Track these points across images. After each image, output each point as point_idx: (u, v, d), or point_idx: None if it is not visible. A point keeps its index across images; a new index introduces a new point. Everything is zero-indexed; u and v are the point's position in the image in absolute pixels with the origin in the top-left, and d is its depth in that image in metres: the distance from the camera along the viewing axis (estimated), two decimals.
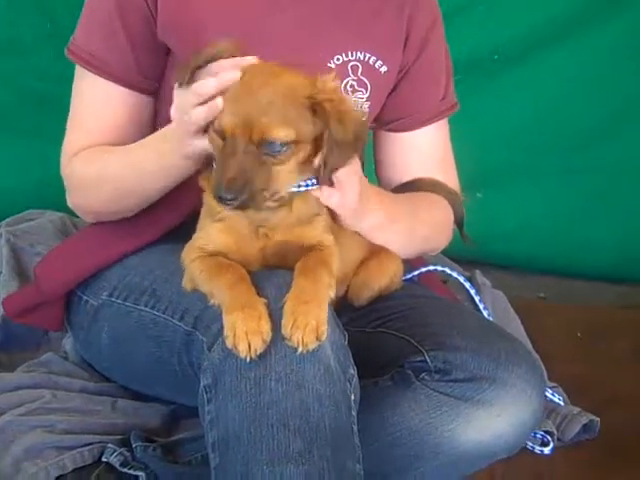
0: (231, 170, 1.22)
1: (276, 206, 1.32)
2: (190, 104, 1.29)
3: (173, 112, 1.35)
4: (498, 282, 2.24)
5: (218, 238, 1.34)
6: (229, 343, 1.21)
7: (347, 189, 1.36)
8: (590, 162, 2.45)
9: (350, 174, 1.35)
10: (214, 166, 1.30)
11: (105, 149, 1.54)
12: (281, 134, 1.24)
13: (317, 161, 1.28)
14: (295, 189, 1.32)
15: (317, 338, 1.20)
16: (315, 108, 1.26)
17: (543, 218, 2.52)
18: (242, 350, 1.20)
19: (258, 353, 1.20)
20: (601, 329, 2.23)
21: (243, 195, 1.22)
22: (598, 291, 2.49)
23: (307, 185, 1.33)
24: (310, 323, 1.20)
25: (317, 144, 1.28)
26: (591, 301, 2.44)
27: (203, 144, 1.32)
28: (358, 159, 1.39)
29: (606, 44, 2.38)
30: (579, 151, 2.45)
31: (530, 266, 2.52)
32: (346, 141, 1.27)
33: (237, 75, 1.26)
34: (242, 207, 1.25)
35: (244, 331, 1.20)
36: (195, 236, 1.38)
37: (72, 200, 1.62)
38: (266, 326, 1.21)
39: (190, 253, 1.36)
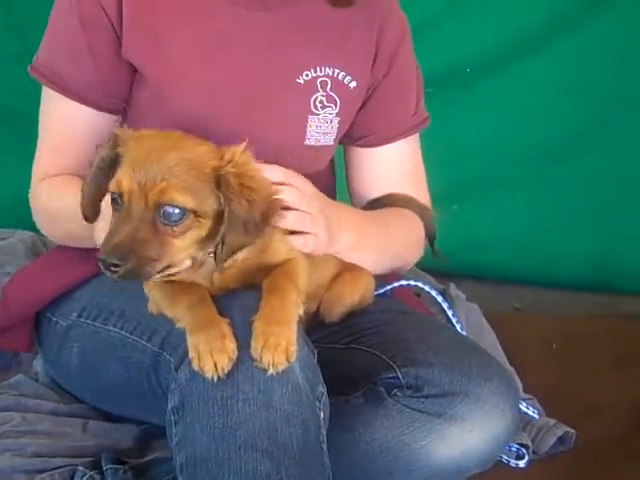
0: (120, 235, 1.16)
1: (166, 278, 1.24)
2: None
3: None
4: (473, 293, 2.24)
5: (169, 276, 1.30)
6: (195, 365, 1.20)
7: (317, 232, 1.37)
8: (565, 173, 2.47)
9: (315, 219, 1.35)
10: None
11: (68, 185, 1.49)
12: (178, 199, 1.17)
13: (218, 238, 1.21)
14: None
15: (287, 359, 1.19)
16: (219, 181, 1.20)
17: (518, 229, 2.52)
18: (208, 370, 1.18)
19: (225, 371, 1.19)
20: (576, 339, 2.24)
21: (128, 263, 1.15)
22: (573, 301, 2.49)
23: None
24: (280, 344, 1.19)
25: (221, 220, 1.21)
26: (566, 311, 2.44)
27: None
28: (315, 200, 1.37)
29: (577, 54, 2.39)
30: (554, 162, 2.47)
31: (505, 277, 2.52)
32: (250, 220, 1.21)
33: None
34: (127, 277, 1.17)
35: (208, 351, 1.18)
36: None
37: (36, 221, 1.62)
38: (231, 344, 1.20)
39: (148, 283, 1.34)
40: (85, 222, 1.32)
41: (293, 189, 1.36)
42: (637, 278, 2.52)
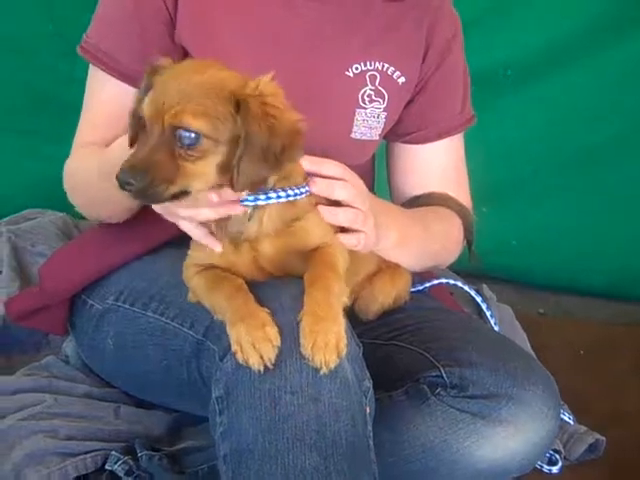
0: (138, 156, 1.18)
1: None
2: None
3: None
4: (498, 296, 2.23)
5: (206, 253, 1.31)
6: (239, 358, 1.18)
7: (368, 230, 1.36)
8: (594, 181, 2.46)
9: (367, 216, 1.34)
10: None
11: (98, 153, 1.50)
12: (192, 124, 1.16)
13: (234, 162, 1.18)
14: (274, 201, 1.26)
15: (338, 355, 1.18)
16: (238, 104, 1.18)
17: (545, 234, 2.51)
18: (254, 363, 1.17)
19: (272, 361, 1.17)
20: (602, 346, 2.23)
21: (141, 182, 1.16)
22: (596, 308, 2.48)
23: (294, 195, 1.27)
24: (330, 341, 1.17)
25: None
26: (589, 318, 2.43)
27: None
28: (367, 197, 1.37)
29: (617, 66, 2.38)
30: (583, 170, 2.46)
31: (530, 281, 2.51)
32: (270, 148, 1.19)
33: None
34: (140, 195, 1.18)
35: (250, 343, 1.17)
36: (188, 253, 1.35)
37: (70, 198, 1.60)
38: (272, 331, 1.18)
39: (188, 271, 1.34)
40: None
41: (349, 185, 1.34)
42: None
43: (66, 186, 1.59)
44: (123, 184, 1.17)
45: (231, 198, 1.23)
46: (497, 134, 2.43)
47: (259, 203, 1.26)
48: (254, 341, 1.17)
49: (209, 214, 1.25)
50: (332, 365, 1.17)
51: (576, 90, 2.41)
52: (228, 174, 1.20)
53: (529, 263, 2.53)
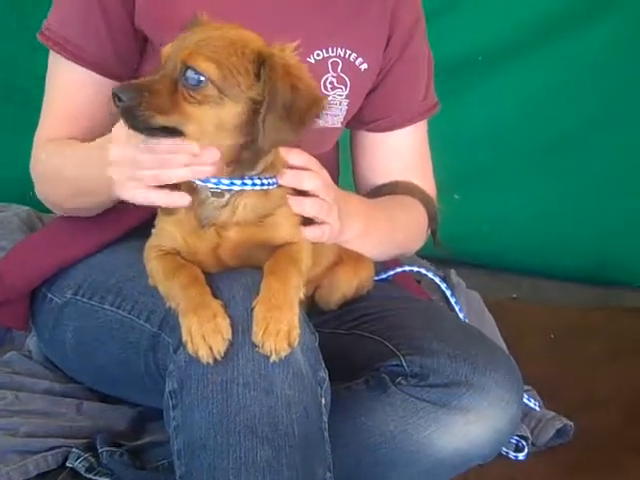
0: (143, 80, 1.19)
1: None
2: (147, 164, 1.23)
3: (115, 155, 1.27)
4: (471, 281, 2.22)
5: (169, 234, 1.29)
6: (189, 349, 1.17)
7: (332, 222, 1.34)
8: (568, 165, 2.45)
9: (331, 208, 1.33)
10: None
11: (70, 143, 1.49)
12: (201, 65, 1.17)
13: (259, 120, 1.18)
14: (245, 188, 1.25)
15: (289, 344, 1.17)
16: (263, 64, 1.19)
17: (518, 219, 2.51)
18: (203, 355, 1.16)
19: (222, 354, 1.16)
20: (574, 330, 2.23)
21: (131, 101, 1.15)
22: (571, 292, 2.48)
23: (267, 184, 1.27)
24: (282, 329, 1.16)
25: (247, 113, 1.19)
26: (563, 302, 2.43)
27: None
28: (333, 187, 1.36)
29: (591, 47, 2.38)
30: (557, 154, 2.45)
31: (503, 266, 2.51)
32: (295, 108, 1.19)
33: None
34: (126, 113, 1.16)
35: (201, 334, 1.16)
36: (152, 231, 1.33)
37: (37, 191, 1.56)
38: (223, 323, 1.17)
39: (149, 252, 1.32)
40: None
41: (315, 175, 1.32)
42: (633, 271, 2.51)
43: (37, 182, 1.55)
44: (114, 97, 1.17)
45: (212, 159, 1.20)
46: (469, 120, 2.44)
47: (234, 188, 1.25)
48: (204, 333, 1.16)
49: (184, 173, 1.21)
50: (283, 353, 1.16)
51: (548, 74, 2.41)
52: (235, 136, 1.20)
53: (502, 248, 2.53)
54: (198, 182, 1.25)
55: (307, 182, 1.31)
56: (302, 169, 1.31)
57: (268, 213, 1.28)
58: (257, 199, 1.27)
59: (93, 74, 1.49)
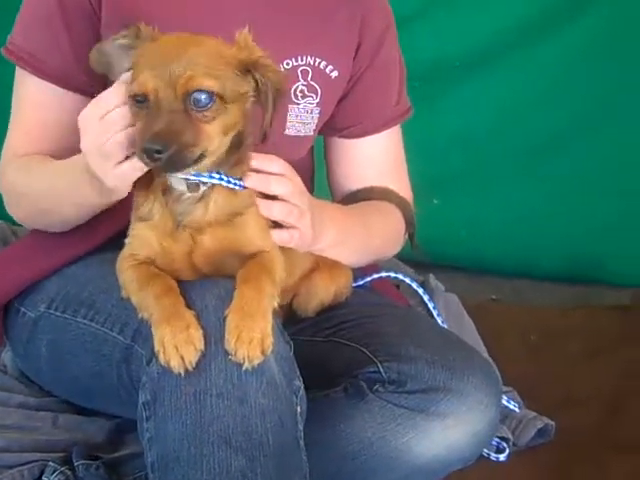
0: (158, 125, 1.16)
1: (205, 169, 1.25)
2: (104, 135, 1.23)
3: (83, 145, 1.27)
4: (450, 284, 2.22)
5: (144, 240, 1.29)
6: (161, 359, 1.16)
7: (303, 227, 1.34)
8: (544, 168, 2.47)
9: (302, 213, 1.33)
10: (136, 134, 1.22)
11: (39, 161, 1.47)
12: (205, 84, 1.18)
13: (266, 119, 1.25)
14: (215, 181, 1.26)
15: (262, 352, 1.16)
16: (248, 66, 1.23)
17: (497, 222, 2.52)
18: (175, 365, 1.15)
19: (193, 364, 1.15)
20: (554, 331, 2.23)
21: (171, 149, 1.15)
22: (550, 293, 2.49)
23: (234, 184, 1.28)
24: (255, 337, 1.15)
25: (243, 109, 1.24)
26: (544, 302, 2.44)
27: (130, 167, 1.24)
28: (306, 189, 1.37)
29: (568, 51, 2.39)
30: (534, 157, 2.47)
31: (483, 268, 2.52)
32: (282, 90, 1.26)
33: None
34: (170, 163, 1.17)
35: (173, 345, 1.15)
36: (125, 241, 1.32)
37: (7, 206, 1.55)
38: (196, 334, 1.16)
39: (122, 262, 1.31)
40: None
41: (286, 180, 1.32)
42: (613, 270, 2.52)
43: (6, 198, 1.54)
44: (151, 154, 1.15)
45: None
46: (447, 125, 2.45)
47: (202, 179, 1.26)
48: (177, 343, 1.15)
49: (112, 92, 1.23)
50: (256, 361, 1.15)
51: (525, 78, 2.42)
52: (229, 135, 1.23)
53: (480, 251, 2.54)
54: (173, 175, 1.26)
55: (275, 186, 1.31)
56: (273, 174, 1.31)
57: (237, 211, 1.28)
58: (226, 196, 1.28)
59: (57, 88, 1.48)
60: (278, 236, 1.32)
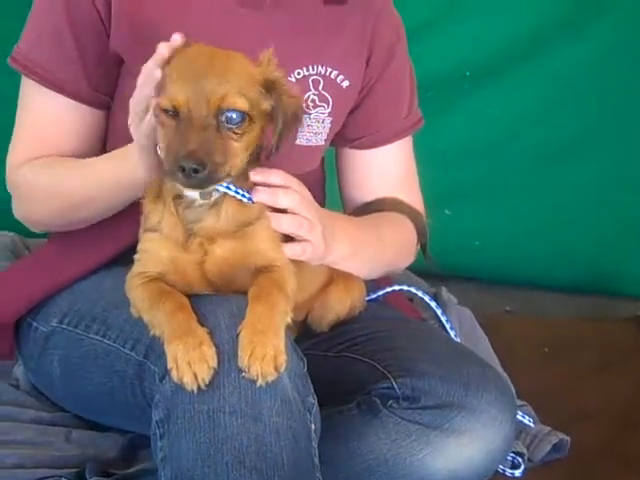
0: (192, 142, 1.16)
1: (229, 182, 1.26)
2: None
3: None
4: (463, 296, 2.21)
5: (154, 252, 1.28)
6: (174, 376, 1.15)
7: (314, 239, 1.33)
8: (559, 177, 2.46)
9: (313, 225, 1.32)
10: (160, 150, 1.24)
11: (58, 160, 1.48)
12: (238, 103, 1.19)
13: (274, 139, 1.25)
14: (227, 191, 1.26)
15: (276, 369, 1.15)
16: (269, 85, 1.24)
17: (510, 232, 2.51)
18: (187, 382, 1.14)
19: (206, 382, 1.15)
20: (568, 342, 2.22)
21: (206, 167, 1.16)
22: (564, 304, 2.48)
23: (243, 195, 1.28)
24: (268, 353, 1.14)
25: (263, 126, 1.26)
26: (557, 313, 2.43)
27: None
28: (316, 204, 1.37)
29: (579, 60, 2.38)
30: (548, 166, 2.46)
31: (495, 279, 2.51)
32: (297, 116, 1.28)
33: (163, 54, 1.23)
34: (203, 181, 1.19)
35: (186, 361, 1.14)
36: (135, 257, 1.32)
37: (19, 211, 1.54)
38: (209, 351, 1.16)
39: (132, 280, 1.30)
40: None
41: (293, 192, 1.32)
42: (627, 281, 2.52)
43: (20, 202, 1.53)
44: (188, 172, 1.16)
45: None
46: (458, 135, 2.44)
47: (219, 188, 1.26)
48: (190, 360, 1.14)
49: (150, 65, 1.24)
50: (269, 378, 1.14)
51: (537, 88, 2.42)
52: (251, 149, 1.25)
53: (493, 261, 2.52)
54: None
55: (283, 199, 1.30)
56: (279, 187, 1.31)
57: (248, 221, 1.29)
58: (237, 205, 1.28)
59: (66, 99, 1.47)
60: (290, 250, 1.32)
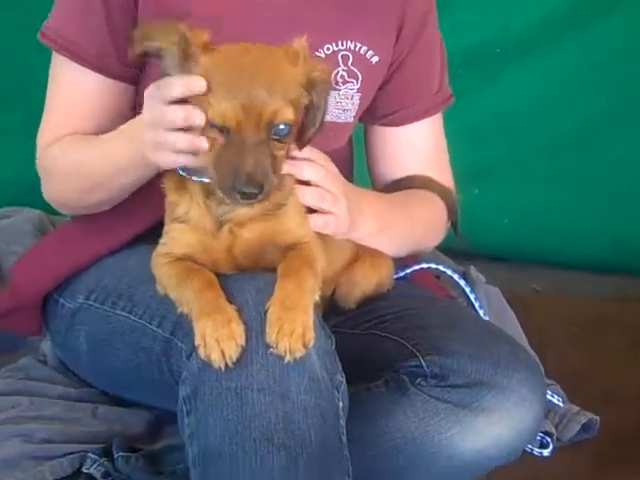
0: (247, 164, 1.16)
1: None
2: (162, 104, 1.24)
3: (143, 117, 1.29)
4: (491, 275, 2.19)
5: (182, 240, 1.28)
6: (202, 353, 1.15)
7: (338, 212, 1.32)
8: (587, 155, 2.43)
9: (337, 198, 1.31)
10: (208, 165, 1.21)
11: (81, 138, 1.47)
12: (288, 115, 1.18)
13: (310, 133, 1.26)
14: None
15: (304, 345, 1.14)
16: (310, 85, 1.23)
17: (538, 211, 2.49)
18: (215, 360, 1.14)
19: (234, 359, 1.14)
20: (598, 322, 2.20)
21: (265, 189, 1.16)
22: (593, 283, 2.45)
23: None
24: (296, 330, 1.14)
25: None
26: (587, 293, 2.40)
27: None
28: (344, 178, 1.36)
29: (612, 38, 2.35)
30: (577, 145, 2.43)
31: (524, 257, 2.48)
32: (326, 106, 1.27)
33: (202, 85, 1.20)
34: (259, 201, 1.19)
35: (215, 338, 1.14)
36: (160, 242, 1.31)
37: (46, 192, 1.54)
38: (238, 329, 1.15)
39: (157, 260, 1.30)
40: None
41: (316, 165, 1.31)
42: None
43: (49, 181, 1.53)
44: (251, 197, 1.17)
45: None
46: (487, 113, 2.42)
47: None
48: (219, 337, 1.14)
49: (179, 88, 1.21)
50: (298, 354, 1.14)
51: (568, 65, 2.38)
52: None
53: (522, 240, 2.50)
54: None
55: (307, 171, 1.30)
56: (305, 160, 1.31)
57: (280, 203, 1.28)
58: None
59: (93, 73, 1.47)
60: (313, 222, 1.31)
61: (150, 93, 1.27)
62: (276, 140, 1.19)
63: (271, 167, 1.18)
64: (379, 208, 1.47)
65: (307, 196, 1.31)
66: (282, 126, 1.19)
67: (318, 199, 1.32)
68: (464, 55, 2.24)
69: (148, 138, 1.27)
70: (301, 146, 1.28)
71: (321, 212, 1.33)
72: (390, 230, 1.49)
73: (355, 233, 1.41)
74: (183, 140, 1.21)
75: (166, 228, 1.32)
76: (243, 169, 1.15)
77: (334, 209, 1.33)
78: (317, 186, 1.31)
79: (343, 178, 1.40)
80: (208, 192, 1.26)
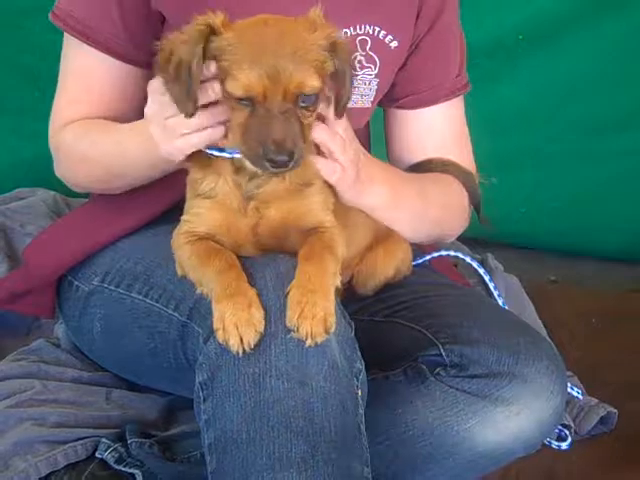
0: (277, 132, 1.14)
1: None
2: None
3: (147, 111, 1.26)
4: (509, 264, 2.17)
5: (208, 216, 1.26)
6: (220, 337, 1.13)
7: (345, 163, 1.29)
8: (606, 146, 2.39)
9: (346, 149, 1.28)
10: (232, 136, 1.20)
11: (96, 125, 1.45)
12: (315, 84, 1.17)
13: (344, 95, 1.22)
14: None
15: (325, 330, 1.12)
16: (332, 48, 1.20)
17: (556, 200, 2.45)
18: (233, 345, 1.12)
19: (252, 345, 1.12)
20: (616, 314, 2.17)
21: (295, 156, 1.14)
22: (612, 273, 2.42)
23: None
24: (318, 314, 1.12)
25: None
26: (605, 284, 2.37)
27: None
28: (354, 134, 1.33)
29: (634, 27, 2.29)
30: (597, 135, 2.40)
31: (541, 247, 2.46)
32: (353, 67, 1.26)
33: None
34: (290, 168, 1.17)
35: (234, 323, 1.12)
36: (182, 219, 1.29)
37: (59, 171, 1.53)
38: (258, 314, 1.14)
39: (178, 239, 1.28)
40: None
41: (325, 127, 1.27)
42: None
43: (60, 163, 1.51)
44: (280, 163, 1.14)
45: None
46: (507, 102, 2.38)
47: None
48: (238, 321, 1.12)
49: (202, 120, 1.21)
50: (319, 338, 1.12)
51: (592, 53, 2.34)
52: None
53: (539, 229, 2.48)
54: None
55: (317, 132, 1.25)
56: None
57: (307, 181, 1.27)
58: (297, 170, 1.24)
59: (104, 56, 1.45)
60: (323, 165, 1.28)
61: (152, 90, 1.24)
62: (304, 108, 1.17)
63: (303, 137, 1.16)
64: (392, 179, 1.43)
65: (319, 132, 1.26)
66: (309, 94, 1.16)
67: (329, 139, 1.27)
68: (486, 42, 2.21)
69: (155, 132, 1.25)
70: (339, 115, 1.25)
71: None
72: (404, 204, 1.45)
73: (364, 200, 1.37)
74: (187, 122, 1.19)
75: (188, 204, 1.29)
76: (272, 137, 1.14)
77: (342, 157, 1.29)
78: (326, 147, 1.28)
79: (359, 144, 1.36)
80: (237, 169, 1.24)
